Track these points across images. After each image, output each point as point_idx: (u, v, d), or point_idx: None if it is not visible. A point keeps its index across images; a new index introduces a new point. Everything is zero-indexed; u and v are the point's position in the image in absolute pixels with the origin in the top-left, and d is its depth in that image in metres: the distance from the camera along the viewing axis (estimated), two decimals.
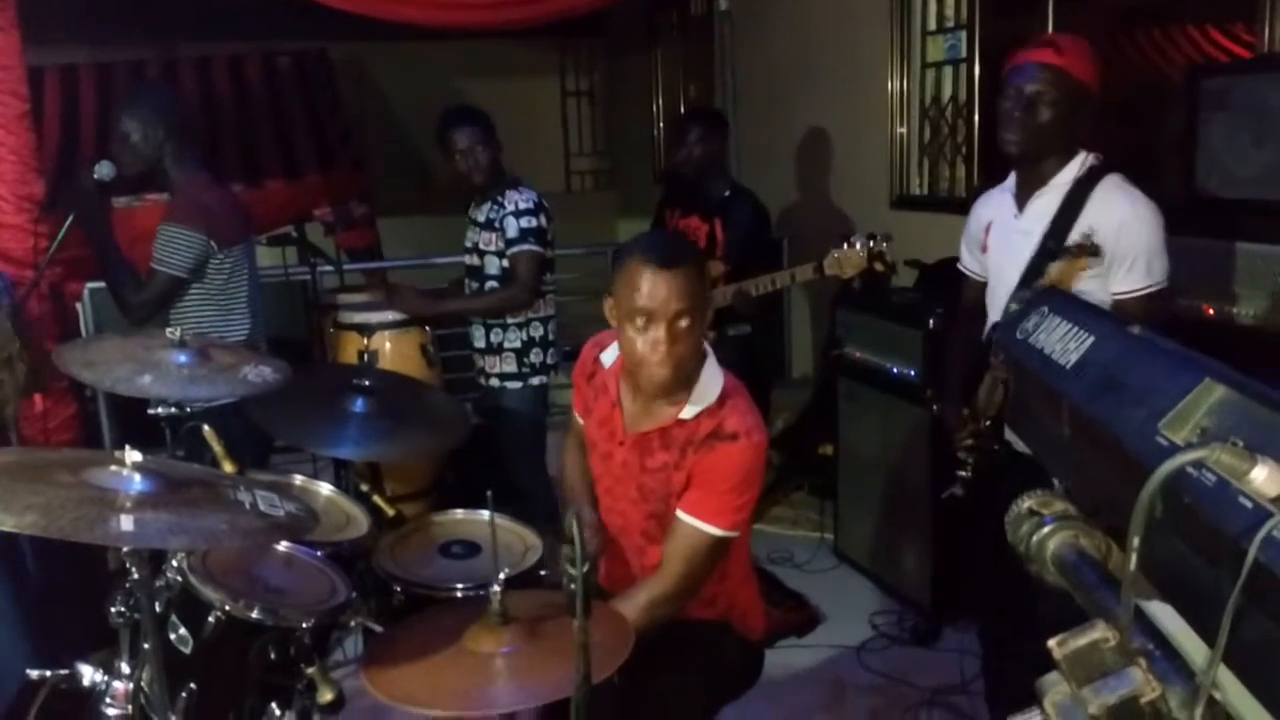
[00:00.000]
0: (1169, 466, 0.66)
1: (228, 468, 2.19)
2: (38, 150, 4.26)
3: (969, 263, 2.65)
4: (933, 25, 4.40)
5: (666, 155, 6.47)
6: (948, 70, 4.35)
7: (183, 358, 2.17)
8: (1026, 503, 0.94)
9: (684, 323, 1.86)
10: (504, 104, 7.37)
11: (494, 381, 3.47)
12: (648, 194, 7.01)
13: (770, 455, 4.73)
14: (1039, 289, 1.33)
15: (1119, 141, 3.12)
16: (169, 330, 2.23)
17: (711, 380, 1.99)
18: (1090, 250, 2.17)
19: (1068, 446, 0.91)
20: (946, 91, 4.38)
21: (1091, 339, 0.93)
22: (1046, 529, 0.89)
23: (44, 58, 5.43)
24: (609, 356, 2.13)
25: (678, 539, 1.97)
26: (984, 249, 2.53)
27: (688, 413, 1.97)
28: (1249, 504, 0.64)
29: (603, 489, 2.15)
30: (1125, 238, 2.20)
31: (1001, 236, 2.44)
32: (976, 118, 4.24)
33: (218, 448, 2.19)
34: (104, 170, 2.95)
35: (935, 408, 3.35)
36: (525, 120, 7.59)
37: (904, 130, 4.55)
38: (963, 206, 4.26)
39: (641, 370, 1.91)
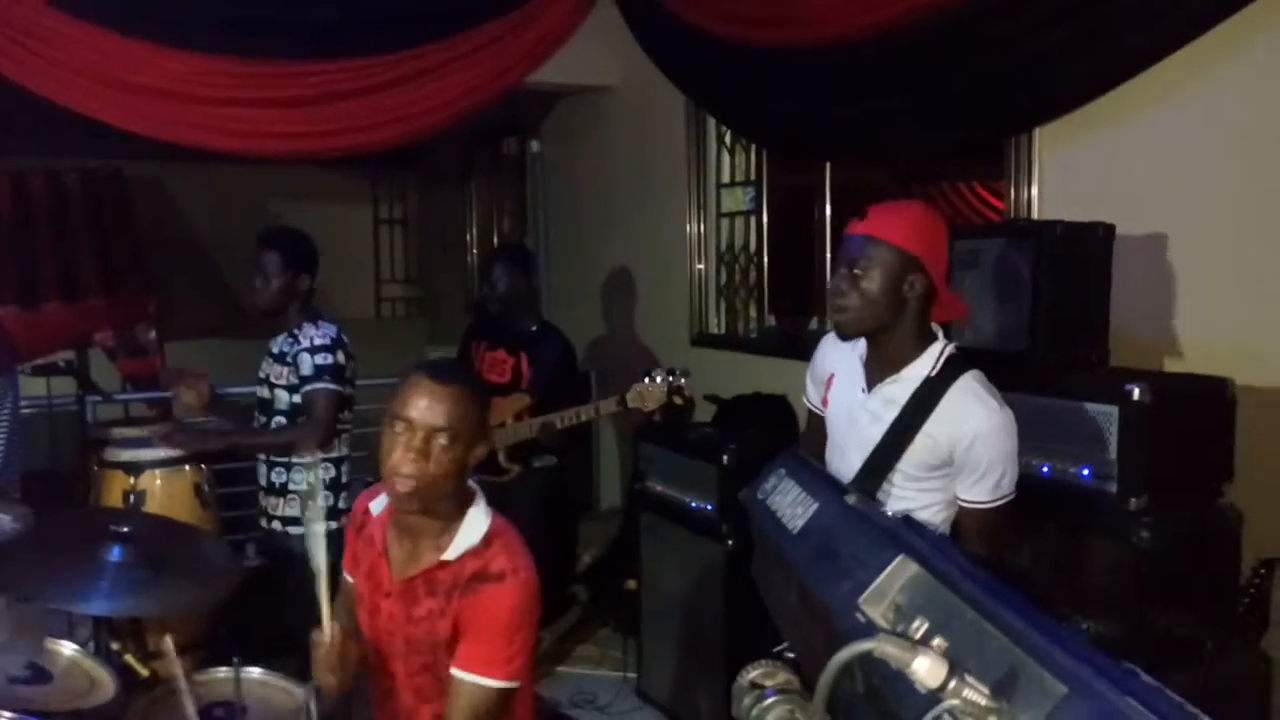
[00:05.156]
0: (841, 657, 0.69)
1: None
2: None
3: (813, 400, 2.42)
4: (726, 178, 4.68)
5: (478, 287, 6.52)
6: (740, 220, 4.63)
7: None
8: (751, 674, 0.96)
9: (441, 440, 1.83)
10: (314, 229, 7.18)
11: (276, 525, 3.28)
12: (459, 323, 6.98)
13: (578, 591, 4.73)
14: (785, 453, 1.36)
15: None
16: None
17: (477, 521, 1.95)
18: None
19: (794, 610, 0.93)
20: (740, 239, 4.64)
21: (815, 506, 0.97)
22: (766, 702, 0.90)
23: None
24: (379, 505, 2.05)
25: (456, 699, 1.89)
26: (824, 401, 2.33)
27: (451, 553, 1.91)
28: (922, 691, 0.66)
29: (372, 646, 2.05)
30: (977, 450, 2.03)
31: (845, 404, 2.23)
32: (765, 263, 4.52)
33: None
34: None
35: (730, 543, 3.41)
36: (336, 246, 7.46)
37: (702, 272, 4.77)
38: (755, 346, 4.52)
39: (390, 480, 1.85)
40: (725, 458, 3.51)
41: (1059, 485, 2.53)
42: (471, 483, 2.01)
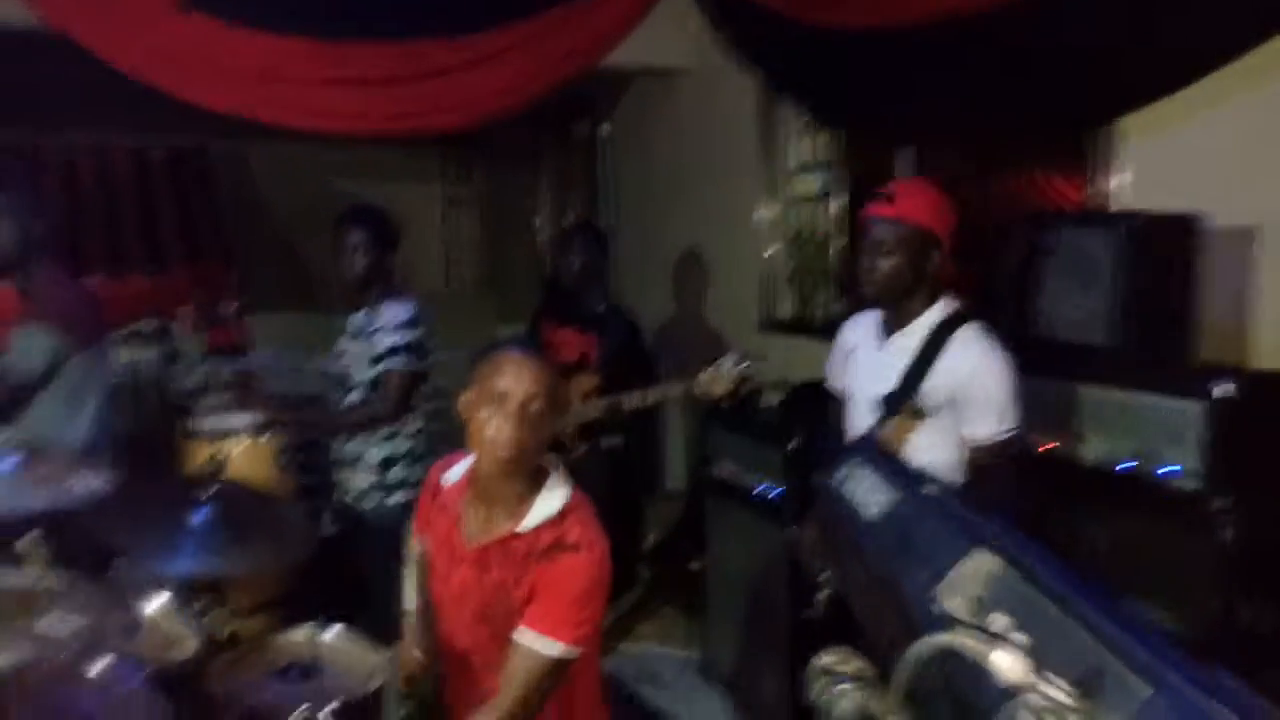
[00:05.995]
0: (920, 651, 0.69)
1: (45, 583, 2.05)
2: None
3: (836, 383, 2.74)
4: (798, 163, 4.63)
5: (550, 266, 6.56)
6: (811, 205, 4.58)
7: (5, 467, 2.06)
8: (825, 659, 0.96)
9: (535, 407, 1.93)
10: (385, 206, 7.40)
11: (350, 497, 3.37)
12: (528, 301, 7.03)
13: (641, 570, 4.76)
14: (861, 438, 1.38)
15: (969, 279, 3.36)
16: None
17: (554, 493, 2.02)
18: (917, 414, 2.30)
19: (866, 593, 0.94)
20: (811, 223, 4.59)
21: (892, 495, 0.97)
22: (838, 689, 0.91)
23: None
24: (453, 475, 2.13)
25: (517, 658, 1.94)
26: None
27: (527, 524, 1.97)
28: (999, 684, 0.66)
29: (443, 613, 2.10)
30: (976, 384, 2.31)
31: (863, 363, 2.55)
32: (837, 248, 4.46)
33: (37, 561, 2.06)
34: None
35: (795, 528, 3.41)
36: (407, 223, 7.55)
37: (772, 257, 4.73)
38: (827, 332, 4.44)
39: (486, 451, 1.94)
40: (792, 442, 3.50)
41: (1140, 481, 2.48)
42: (549, 455, 2.06)
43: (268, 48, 4.23)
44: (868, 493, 1.04)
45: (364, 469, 3.35)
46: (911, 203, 2.34)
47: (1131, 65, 2.98)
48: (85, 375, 2.88)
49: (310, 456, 3.84)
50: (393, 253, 3.39)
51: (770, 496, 3.57)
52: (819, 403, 4.16)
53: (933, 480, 1.05)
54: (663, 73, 5.20)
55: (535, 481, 2.01)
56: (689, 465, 5.10)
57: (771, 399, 4.12)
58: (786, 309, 4.74)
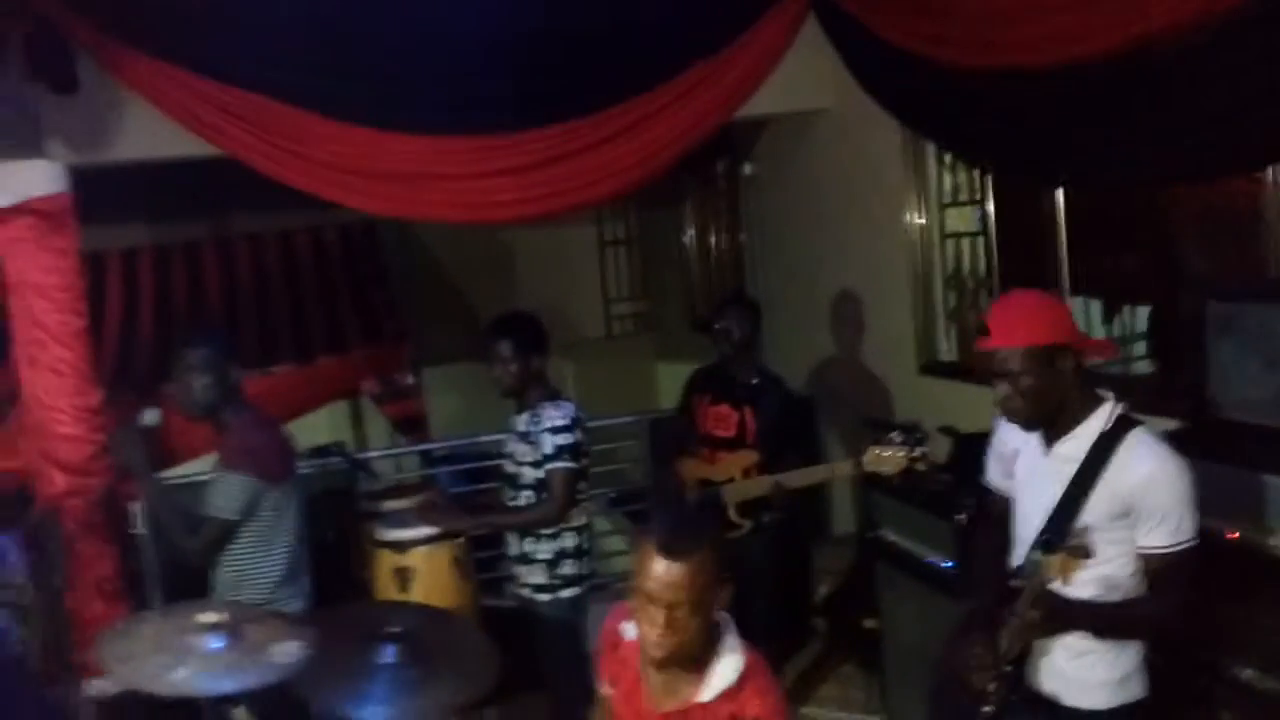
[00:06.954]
0: None
1: None
2: (101, 331, 4.52)
3: (996, 480, 2.62)
4: (948, 198, 4.47)
5: (700, 319, 6.58)
6: (966, 241, 4.41)
7: (216, 643, 2.28)
8: None
9: (680, 612, 1.94)
10: (545, 252, 7.66)
11: (525, 591, 3.54)
12: (684, 335, 7.14)
13: (817, 624, 4.72)
14: None
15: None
16: (203, 616, 2.33)
17: (730, 660, 2.05)
18: (1083, 553, 2.18)
19: None
20: (968, 261, 4.43)
21: None
22: None
23: (105, 239, 5.73)
24: (632, 630, 2.16)
25: None
26: (1011, 475, 2.52)
27: (706, 695, 2.03)
28: None
29: None
30: (1149, 495, 2.20)
31: (1028, 470, 2.44)
32: (997, 285, 4.27)
33: None
34: (151, 417, 3.13)
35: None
36: (566, 268, 7.84)
37: (929, 297, 4.58)
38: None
39: (644, 644, 2.01)
40: (962, 515, 3.40)
41: None
42: (722, 614, 2.08)
43: (420, 149, 4.43)
44: None
45: (537, 566, 3.50)
46: (1010, 328, 2.23)
47: None
48: (278, 512, 3.11)
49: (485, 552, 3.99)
50: (539, 355, 3.51)
51: (942, 568, 3.49)
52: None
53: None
54: (801, 115, 5.12)
55: (712, 643, 2.05)
56: (855, 510, 5.02)
57: (937, 452, 4.00)
58: (948, 350, 4.58)
